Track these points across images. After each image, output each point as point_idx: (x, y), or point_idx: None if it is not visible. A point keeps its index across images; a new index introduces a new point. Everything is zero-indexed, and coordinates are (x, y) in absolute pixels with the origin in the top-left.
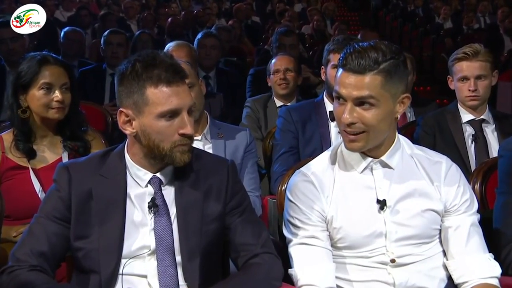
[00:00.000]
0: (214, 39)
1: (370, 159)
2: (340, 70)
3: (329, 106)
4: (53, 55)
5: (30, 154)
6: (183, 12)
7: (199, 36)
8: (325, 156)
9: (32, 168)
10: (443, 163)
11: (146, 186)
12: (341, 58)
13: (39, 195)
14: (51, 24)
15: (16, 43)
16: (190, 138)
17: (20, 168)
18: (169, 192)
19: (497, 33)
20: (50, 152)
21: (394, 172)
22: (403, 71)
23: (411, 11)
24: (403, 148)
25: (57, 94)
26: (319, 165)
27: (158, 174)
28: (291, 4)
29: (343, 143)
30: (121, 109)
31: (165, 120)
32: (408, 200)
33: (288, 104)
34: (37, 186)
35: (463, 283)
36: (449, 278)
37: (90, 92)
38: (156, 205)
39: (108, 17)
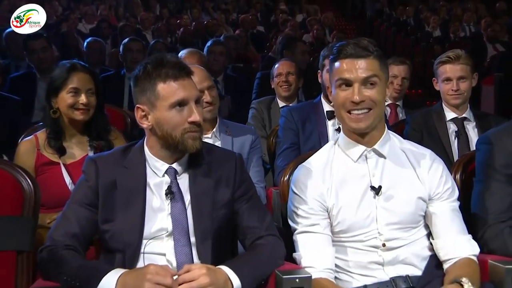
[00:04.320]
0: (222, 47)
1: (364, 147)
2: (338, 62)
3: (326, 107)
4: (81, 63)
5: (61, 151)
6: (193, 23)
7: (208, 43)
8: (323, 151)
9: (62, 164)
10: (428, 156)
11: (163, 175)
12: (335, 52)
13: (69, 187)
14: (74, 35)
15: (46, 53)
16: (199, 125)
17: (52, 163)
18: (183, 181)
19: (481, 41)
20: (78, 149)
21: (386, 161)
22: (386, 61)
23: (403, 21)
24: (393, 141)
25: (82, 98)
26: (319, 159)
27: (173, 165)
28: (293, 14)
29: (340, 138)
30: (137, 105)
31: (175, 110)
32: (398, 188)
33: (290, 104)
34: (67, 179)
35: (448, 259)
36: (430, 257)
37: (111, 96)
38: (172, 193)
39: (125, 28)
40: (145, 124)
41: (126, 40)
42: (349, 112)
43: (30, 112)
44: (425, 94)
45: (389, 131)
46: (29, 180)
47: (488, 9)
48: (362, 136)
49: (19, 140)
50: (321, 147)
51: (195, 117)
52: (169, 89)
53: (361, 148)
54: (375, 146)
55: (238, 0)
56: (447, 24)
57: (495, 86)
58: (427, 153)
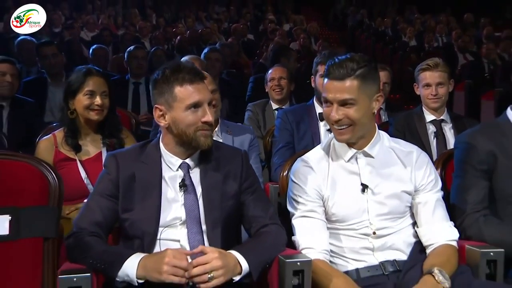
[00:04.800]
0: (218, 54)
1: (355, 150)
2: (326, 80)
3: (318, 109)
4: (96, 68)
5: (77, 148)
6: (188, 31)
7: (205, 50)
8: (320, 148)
9: (78, 160)
10: (414, 152)
11: (177, 170)
12: (325, 70)
13: (85, 181)
14: (78, 43)
15: (56, 59)
16: (210, 125)
17: (69, 159)
18: (195, 175)
19: (452, 51)
20: (92, 147)
21: (374, 160)
22: (374, 75)
23: (382, 31)
24: (383, 141)
25: (97, 99)
26: (316, 155)
27: (186, 160)
28: (280, 24)
29: (334, 139)
30: (156, 105)
31: (191, 111)
32: (386, 183)
33: (283, 107)
34: (83, 174)
35: (431, 245)
36: (415, 243)
37: (115, 99)
38: (186, 185)
39: (126, 36)
40: (162, 123)
41: (131, 48)
42: (333, 125)
43: (42, 113)
44: (403, 99)
45: (379, 131)
46: (53, 174)
47: (458, 22)
48: (352, 143)
49: (37, 139)
50: (314, 146)
51: (208, 117)
52: (185, 92)
53: (352, 150)
54: (365, 149)
55: (229, 10)
56: (421, 35)
57: (465, 92)
58: (414, 149)
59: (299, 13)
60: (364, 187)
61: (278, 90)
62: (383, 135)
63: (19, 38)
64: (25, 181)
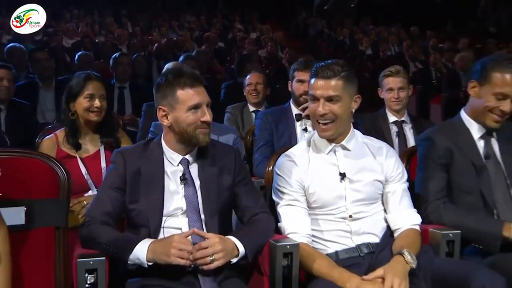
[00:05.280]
0: (194, 61)
1: (333, 144)
2: (313, 79)
3: (294, 110)
4: (95, 73)
5: (77, 147)
6: (165, 39)
7: (181, 58)
8: (301, 144)
9: (79, 157)
10: (384, 147)
11: (178, 165)
12: (313, 71)
13: (85, 177)
14: (61, 49)
15: (48, 63)
16: (208, 124)
17: (70, 157)
18: (194, 169)
19: (404, 59)
20: (91, 145)
21: (351, 153)
22: (355, 78)
23: (341, 41)
24: (357, 137)
25: (97, 102)
26: (298, 150)
27: (186, 156)
28: (247, 33)
29: (315, 134)
30: (159, 107)
31: (191, 112)
32: (361, 173)
33: (259, 109)
34: (83, 170)
35: (398, 229)
36: (386, 227)
37: None
38: (186, 179)
39: (106, 43)
40: (165, 122)
41: (117, 55)
42: (317, 121)
43: (34, 115)
44: (361, 103)
45: (353, 129)
46: (62, 170)
47: (408, 33)
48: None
49: (34, 139)
50: (291, 144)
51: (207, 117)
52: (187, 95)
53: (331, 144)
54: (342, 142)
55: (200, 20)
56: (376, 44)
57: (416, 96)
58: (383, 145)
59: (264, 23)
60: (343, 176)
61: (255, 94)
62: (357, 132)
63: (8, 46)
64: (38, 176)
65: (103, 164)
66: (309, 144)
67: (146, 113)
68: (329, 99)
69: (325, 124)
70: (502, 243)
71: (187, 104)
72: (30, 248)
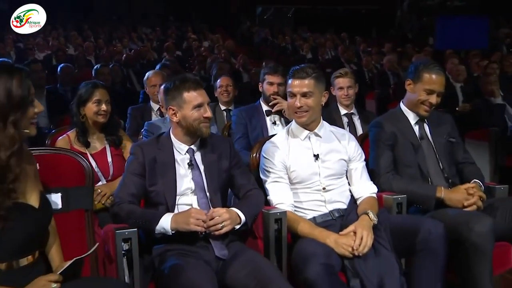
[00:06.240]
0: (168, 69)
1: (308, 131)
2: (290, 80)
3: (264, 107)
4: (101, 82)
5: (87, 144)
6: (132, 50)
7: (158, 67)
8: (282, 133)
9: (89, 153)
10: (346, 134)
11: (185, 154)
12: (290, 73)
13: (95, 170)
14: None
15: (41, 74)
16: (209, 119)
17: (81, 153)
18: (198, 157)
19: (340, 62)
20: (98, 143)
21: (321, 139)
22: (323, 78)
23: (283, 46)
24: (325, 126)
25: (103, 106)
26: (279, 138)
27: (191, 146)
28: (200, 42)
29: (292, 125)
30: (170, 107)
31: (196, 110)
32: (330, 154)
33: (229, 108)
34: (93, 164)
35: (360, 197)
36: (351, 196)
37: None
38: (192, 164)
39: (79, 55)
40: (174, 119)
41: (98, 66)
42: (295, 112)
43: None
44: None
45: (322, 120)
46: (87, 163)
47: (340, 39)
48: (306, 125)
49: (46, 141)
50: (263, 135)
51: (208, 114)
52: (192, 96)
53: (306, 132)
54: (315, 130)
55: (156, 31)
56: (315, 49)
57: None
58: (345, 132)
59: (213, 32)
60: (316, 156)
61: (226, 94)
62: (325, 122)
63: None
64: (68, 168)
65: (109, 159)
66: (288, 133)
67: (132, 115)
68: (304, 94)
69: (301, 113)
70: (435, 203)
71: (192, 104)
72: (67, 227)
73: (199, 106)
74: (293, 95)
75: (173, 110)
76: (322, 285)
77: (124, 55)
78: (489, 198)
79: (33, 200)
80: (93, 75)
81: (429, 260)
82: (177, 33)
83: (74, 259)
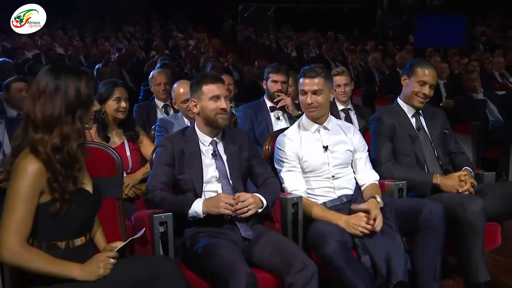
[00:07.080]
0: (169, 67)
1: (317, 125)
2: (302, 79)
3: (268, 104)
4: (119, 81)
5: (107, 139)
6: (125, 49)
7: (158, 65)
8: (293, 127)
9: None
10: (351, 127)
11: (209, 145)
12: (301, 73)
13: None
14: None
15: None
16: (226, 111)
17: None
18: (220, 147)
19: (325, 60)
20: (117, 138)
21: (330, 132)
22: (331, 77)
23: (268, 45)
24: (333, 120)
25: (123, 103)
26: (292, 130)
27: (214, 138)
28: (186, 40)
29: (303, 119)
30: (192, 99)
31: (213, 101)
32: (338, 145)
33: (231, 105)
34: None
35: (364, 184)
36: (356, 183)
37: None
38: (216, 155)
39: (72, 55)
40: (195, 110)
41: (99, 65)
42: (307, 108)
43: None
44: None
45: (330, 115)
46: (117, 155)
47: (324, 37)
48: (316, 119)
49: None
50: (268, 130)
51: (223, 105)
52: (210, 89)
53: (316, 125)
54: (324, 124)
55: (141, 31)
56: (300, 47)
57: None
58: (350, 125)
59: (198, 31)
60: (325, 148)
61: (228, 92)
62: (332, 117)
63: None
64: (102, 160)
65: (128, 153)
66: (299, 126)
67: (137, 112)
68: (314, 92)
69: (312, 109)
70: (432, 188)
71: (209, 95)
72: (103, 213)
73: (216, 97)
74: (305, 92)
75: (194, 101)
76: (338, 259)
77: (117, 54)
78: (479, 183)
79: (89, 187)
80: (95, 74)
81: (431, 236)
82: (162, 31)
83: (130, 238)
